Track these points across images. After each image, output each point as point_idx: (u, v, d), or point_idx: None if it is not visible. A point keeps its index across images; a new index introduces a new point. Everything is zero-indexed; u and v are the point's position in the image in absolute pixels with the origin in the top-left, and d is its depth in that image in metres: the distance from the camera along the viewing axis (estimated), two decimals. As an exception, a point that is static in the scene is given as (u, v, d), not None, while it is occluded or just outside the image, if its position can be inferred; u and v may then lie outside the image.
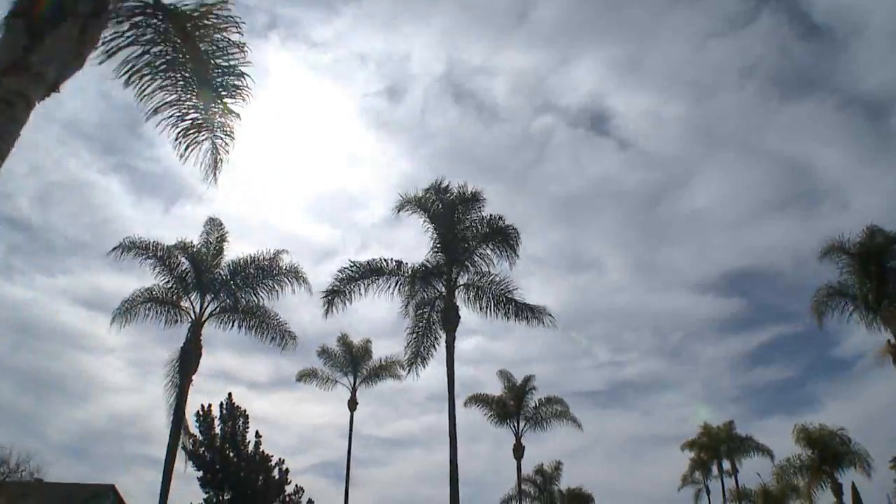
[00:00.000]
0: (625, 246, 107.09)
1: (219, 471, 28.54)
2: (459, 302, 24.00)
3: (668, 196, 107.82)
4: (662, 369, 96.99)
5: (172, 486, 22.61)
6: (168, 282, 26.20)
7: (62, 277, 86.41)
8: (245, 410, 30.40)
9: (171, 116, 11.99)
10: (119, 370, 78.62)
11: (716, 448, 43.69)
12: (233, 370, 78.73)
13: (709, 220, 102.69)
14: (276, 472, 30.00)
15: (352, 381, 38.62)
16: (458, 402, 38.10)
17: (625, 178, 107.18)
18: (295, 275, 25.55)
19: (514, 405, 36.49)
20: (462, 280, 24.20)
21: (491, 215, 23.06)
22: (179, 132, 12.16)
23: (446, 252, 23.78)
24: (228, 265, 26.62)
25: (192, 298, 26.16)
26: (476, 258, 23.72)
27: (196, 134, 12.44)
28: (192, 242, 26.74)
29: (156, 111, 11.69)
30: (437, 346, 24.53)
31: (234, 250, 27.19)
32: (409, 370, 24.87)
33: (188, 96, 11.83)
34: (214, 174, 12.76)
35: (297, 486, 30.71)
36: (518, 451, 36.01)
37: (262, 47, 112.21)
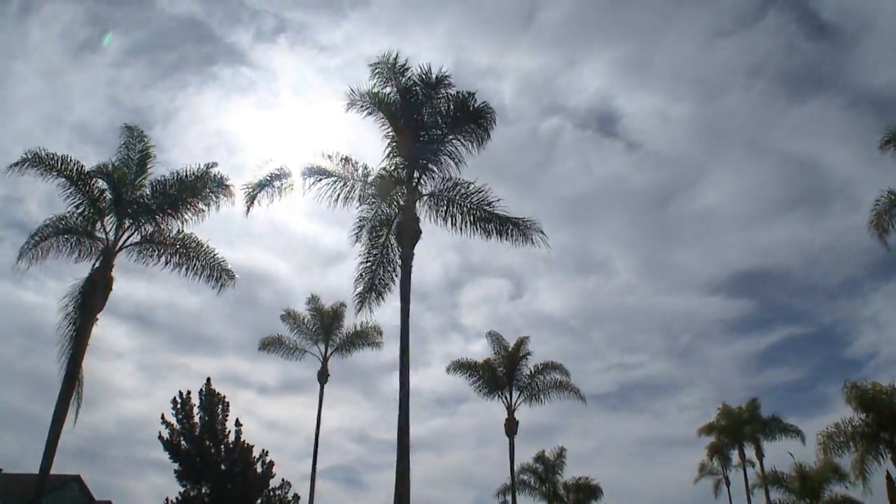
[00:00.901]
0: (633, 247, 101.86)
1: (197, 463, 24.98)
2: (423, 215, 18.42)
3: (676, 196, 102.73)
4: (672, 371, 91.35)
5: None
6: (80, 205, 20.75)
7: (72, 281, 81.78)
8: (225, 397, 26.47)
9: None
10: (129, 374, 75.08)
11: (738, 429, 37.29)
12: (242, 374, 75.32)
13: (717, 220, 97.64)
14: (259, 466, 26.20)
15: (323, 351, 32.76)
16: (441, 367, 33.33)
17: (633, 179, 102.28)
18: (220, 186, 20.01)
19: (504, 372, 30.40)
20: (427, 188, 18.58)
21: (458, 92, 17.42)
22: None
23: (405, 152, 18.20)
24: (151, 184, 21.22)
25: (107, 223, 20.72)
26: (443, 157, 18.10)
27: None
28: (112, 162, 21.42)
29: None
30: (396, 277, 18.89)
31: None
32: (361, 307, 19.28)
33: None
34: None
35: (283, 479, 27.11)
36: (510, 426, 29.80)
37: (270, 51, 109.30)
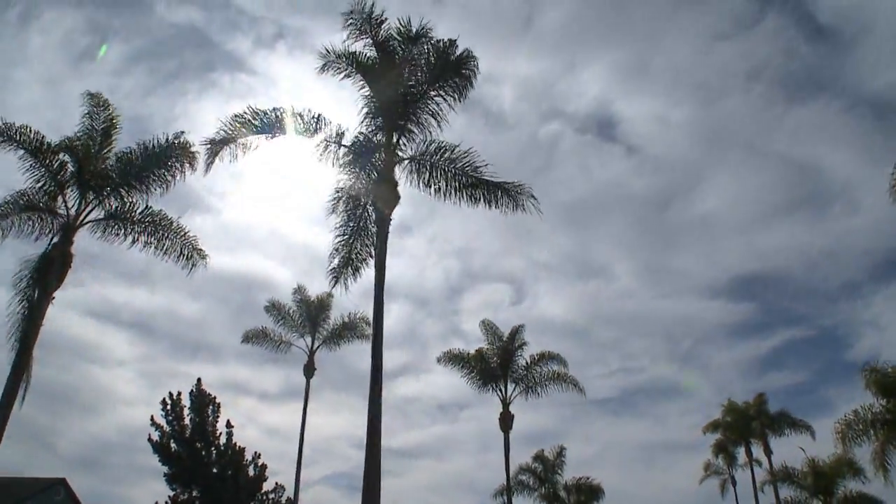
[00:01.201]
0: (634, 251, 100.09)
1: (189, 466, 24.01)
2: (404, 181, 16.80)
3: (676, 200, 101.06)
4: (674, 375, 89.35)
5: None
6: (40, 179, 19.20)
7: (73, 289, 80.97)
8: (215, 398, 25.38)
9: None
10: (130, 382, 74.19)
11: (745, 425, 35.28)
12: (243, 382, 74.67)
13: (718, 224, 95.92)
14: (252, 469, 25.20)
15: (309, 343, 30.96)
16: (442, 374, 31.61)
17: (633, 183, 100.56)
18: (184, 152, 18.41)
19: (498, 363, 28.46)
20: (407, 151, 16.95)
21: (439, 41, 15.74)
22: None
23: (383, 112, 16.58)
24: (116, 156, 19.65)
25: (68, 196, 19.16)
26: (424, 116, 16.46)
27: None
28: (75, 134, 19.89)
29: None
30: (374, 250, 17.24)
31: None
32: (336, 282, 17.72)
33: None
34: None
35: (276, 483, 26.07)
36: (505, 420, 27.86)
37: (269, 57, 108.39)
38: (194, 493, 24.05)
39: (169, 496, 23.73)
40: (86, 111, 19.93)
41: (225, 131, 15.48)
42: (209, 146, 15.59)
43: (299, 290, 30.94)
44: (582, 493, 37.80)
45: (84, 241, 19.50)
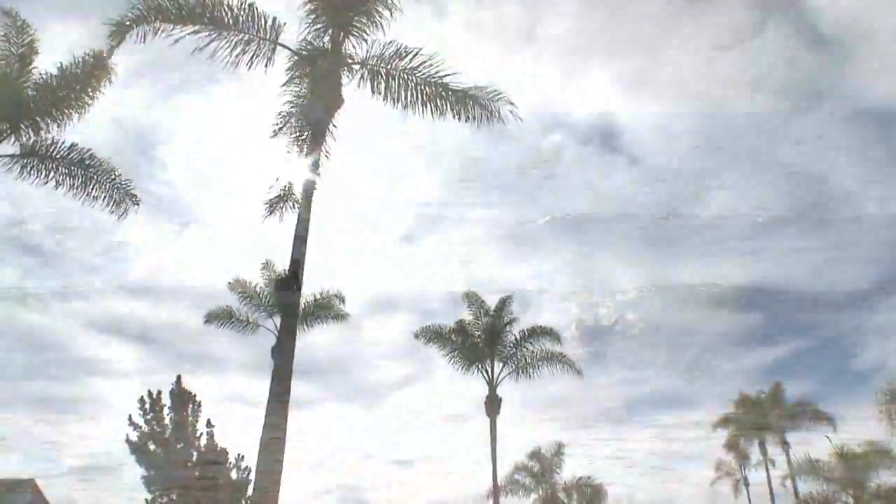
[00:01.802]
0: (637, 261, 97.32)
1: (168, 468, 23.57)
2: (354, 86, 14.01)
3: (679, 210, 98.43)
4: (678, 386, 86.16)
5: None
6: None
7: (76, 302, 79.47)
8: (195, 395, 24.17)
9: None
10: (133, 395, 71.28)
11: (762, 417, 31.85)
12: (247, 393, 71.45)
13: (721, 234, 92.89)
14: (235, 472, 24.32)
15: (278, 325, 27.71)
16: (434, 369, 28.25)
17: (635, 194, 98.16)
18: (100, 64, 15.76)
19: (484, 339, 25.15)
20: (359, 55, 14.15)
21: None
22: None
23: (329, 10, 13.84)
24: (35, 83, 16.94)
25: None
26: (376, 7, 13.69)
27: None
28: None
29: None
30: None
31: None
32: (271, 213, 15.48)
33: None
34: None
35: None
36: (491, 404, 24.51)
37: (271, 69, 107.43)
38: (173, 496, 22.87)
39: (146, 499, 22.45)
40: (1, 33, 17.29)
41: (133, 14, 12.71)
42: (114, 28, 12.82)
43: (267, 266, 27.75)
44: (583, 494, 34.26)
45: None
